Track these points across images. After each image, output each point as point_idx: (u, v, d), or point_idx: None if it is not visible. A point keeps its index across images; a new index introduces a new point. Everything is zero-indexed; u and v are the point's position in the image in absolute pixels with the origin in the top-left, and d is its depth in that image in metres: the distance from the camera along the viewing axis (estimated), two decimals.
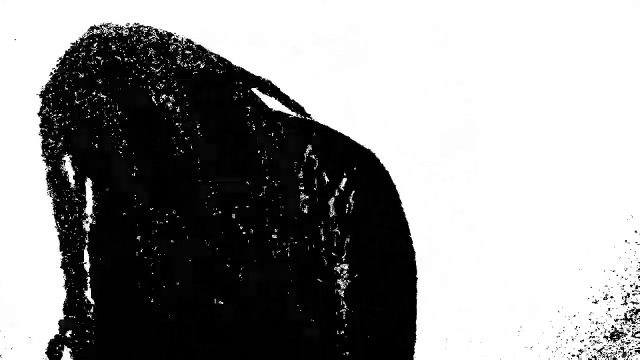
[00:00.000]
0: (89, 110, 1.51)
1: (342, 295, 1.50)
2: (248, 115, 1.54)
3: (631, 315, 3.42)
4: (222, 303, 1.52)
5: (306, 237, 1.50)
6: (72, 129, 1.54)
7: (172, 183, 1.56)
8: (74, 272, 1.62)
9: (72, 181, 1.64)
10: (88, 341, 1.56)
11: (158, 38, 1.60)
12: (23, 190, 3.49)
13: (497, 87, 3.45)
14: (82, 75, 1.53)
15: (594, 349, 3.39)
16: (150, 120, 1.51)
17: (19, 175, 3.51)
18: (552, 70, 3.45)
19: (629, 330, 3.41)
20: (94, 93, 1.52)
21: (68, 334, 1.57)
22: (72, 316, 1.60)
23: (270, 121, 1.58)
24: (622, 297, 3.43)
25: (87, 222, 1.64)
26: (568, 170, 3.47)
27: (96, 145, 1.53)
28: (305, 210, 1.50)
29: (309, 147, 1.56)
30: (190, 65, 1.55)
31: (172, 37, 1.62)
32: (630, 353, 3.41)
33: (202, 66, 1.56)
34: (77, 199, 1.63)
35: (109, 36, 1.59)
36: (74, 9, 3.43)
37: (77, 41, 1.62)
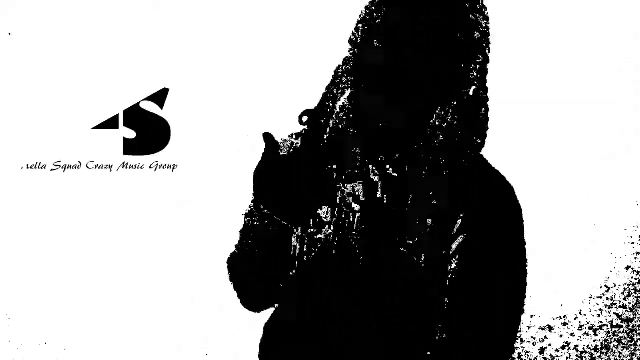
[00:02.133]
0: None
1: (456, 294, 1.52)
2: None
3: (634, 311, 3.43)
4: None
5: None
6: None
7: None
8: None
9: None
10: None
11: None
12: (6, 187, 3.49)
13: (497, 87, 3.44)
14: None
15: (595, 347, 3.40)
16: None
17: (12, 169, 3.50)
18: (552, 70, 3.46)
19: (633, 329, 3.42)
20: None
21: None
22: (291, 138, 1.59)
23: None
24: (623, 296, 3.43)
25: None
26: (568, 170, 3.47)
27: None
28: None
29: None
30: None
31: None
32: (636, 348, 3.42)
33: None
34: None
35: None
36: (69, 5, 3.44)
37: None
